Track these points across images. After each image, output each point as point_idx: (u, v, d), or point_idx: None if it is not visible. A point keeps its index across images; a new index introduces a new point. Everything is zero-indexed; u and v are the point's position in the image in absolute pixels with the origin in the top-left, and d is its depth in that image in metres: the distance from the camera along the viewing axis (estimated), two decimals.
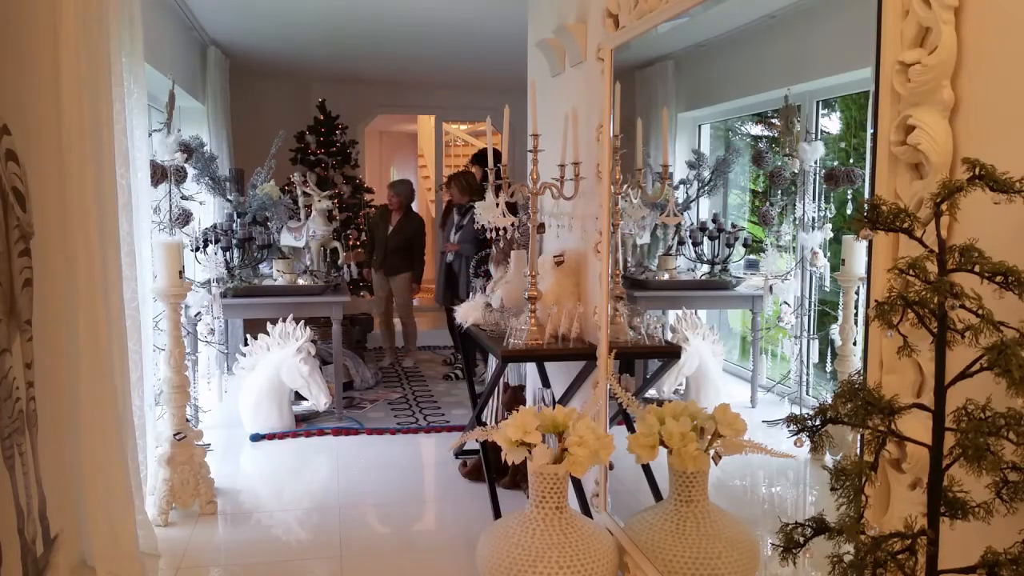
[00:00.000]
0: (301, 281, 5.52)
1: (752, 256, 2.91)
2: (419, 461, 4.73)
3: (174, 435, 3.63)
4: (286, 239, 5.73)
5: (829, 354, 2.54)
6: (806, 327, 2.60)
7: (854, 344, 2.25)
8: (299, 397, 5.33)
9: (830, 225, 2.41)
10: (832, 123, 2.46)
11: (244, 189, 6.02)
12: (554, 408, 2.30)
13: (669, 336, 3.20)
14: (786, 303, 2.64)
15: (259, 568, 3.22)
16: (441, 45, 6.71)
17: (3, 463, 2.20)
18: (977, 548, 1.07)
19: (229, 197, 5.71)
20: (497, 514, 3.39)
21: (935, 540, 1.06)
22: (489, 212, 3.21)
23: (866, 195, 1.52)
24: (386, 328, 7.10)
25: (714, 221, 3.09)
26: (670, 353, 3.10)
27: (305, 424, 5.17)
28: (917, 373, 1.33)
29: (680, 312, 3.31)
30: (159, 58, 4.54)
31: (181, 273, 3.62)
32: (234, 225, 5.53)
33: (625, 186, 2.97)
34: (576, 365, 3.27)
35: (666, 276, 3.44)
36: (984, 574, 1.05)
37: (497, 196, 3.16)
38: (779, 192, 2.70)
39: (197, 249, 4.86)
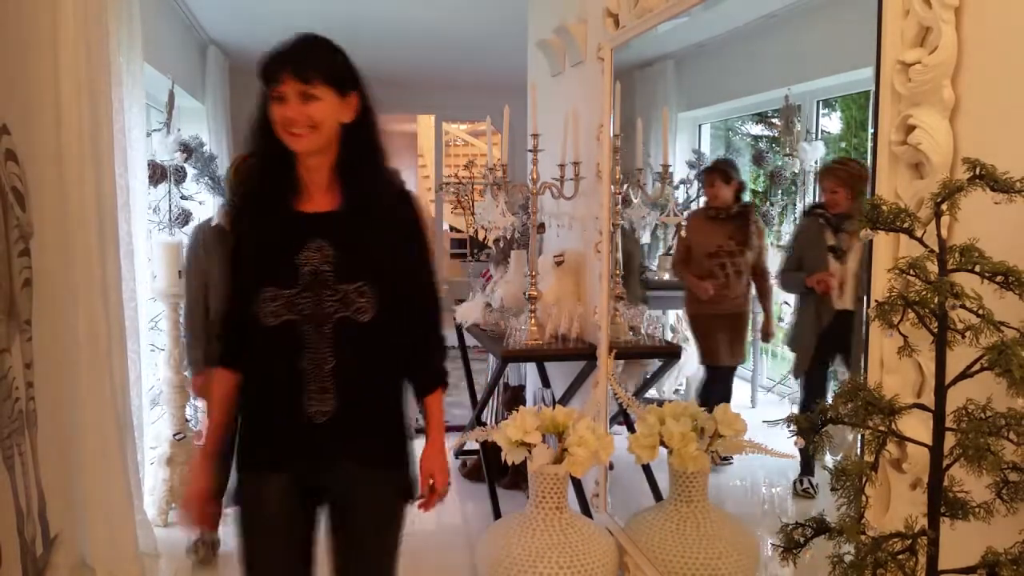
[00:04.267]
0: None
1: None
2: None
3: (174, 435, 3.63)
4: None
5: None
6: None
7: None
8: None
9: None
10: (832, 123, 2.46)
11: None
12: (554, 408, 2.30)
13: (669, 336, 3.21)
14: (786, 303, 2.64)
15: None
16: (441, 45, 6.71)
17: (3, 463, 2.20)
18: (977, 548, 1.07)
19: None
20: (497, 514, 3.39)
21: (935, 540, 1.06)
22: (489, 212, 3.21)
23: (867, 195, 1.52)
24: None
25: None
26: (670, 353, 3.10)
27: None
28: (917, 373, 1.33)
29: (680, 312, 3.31)
30: (159, 58, 4.54)
31: (181, 273, 3.62)
32: None
33: (625, 186, 2.97)
34: (576, 365, 3.27)
35: (666, 276, 3.44)
36: (984, 574, 1.05)
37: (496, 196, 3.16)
38: (779, 192, 2.70)
39: None
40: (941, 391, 1.07)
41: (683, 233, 2.97)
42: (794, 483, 2.43)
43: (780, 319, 2.69)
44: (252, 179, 1.84)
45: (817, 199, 2.49)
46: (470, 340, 4.01)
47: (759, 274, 2.74)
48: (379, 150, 1.80)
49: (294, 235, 1.69)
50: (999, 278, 1.01)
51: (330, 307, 1.66)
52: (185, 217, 4.30)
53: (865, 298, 1.47)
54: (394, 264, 1.72)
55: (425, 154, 12.66)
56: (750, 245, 2.74)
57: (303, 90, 1.63)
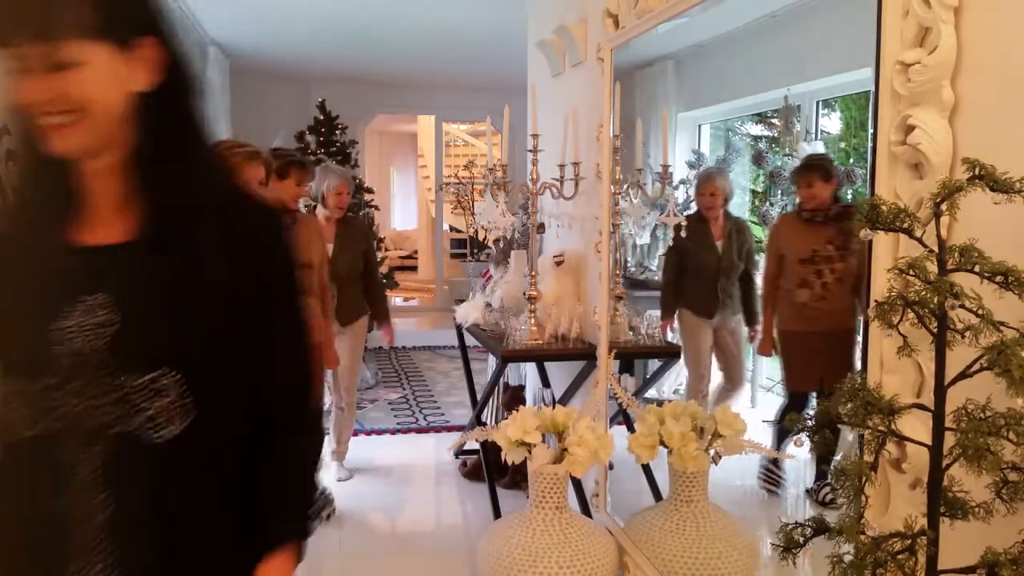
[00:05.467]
0: None
1: None
2: (419, 461, 4.73)
3: None
4: None
5: None
6: None
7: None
8: None
9: None
10: (832, 123, 2.46)
11: None
12: (554, 408, 2.30)
13: (669, 336, 3.20)
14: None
15: None
16: (441, 45, 6.71)
17: None
18: (977, 548, 1.07)
19: None
20: (497, 514, 3.39)
21: (935, 540, 1.06)
22: (489, 212, 3.21)
23: (866, 195, 1.52)
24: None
25: None
26: (670, 353, 3.10)
27: None
28: (917, 373, 1.33)
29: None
30: None
31: None
32: None
33: (625, 186, 2.97)
34: (576, 365, 3.27)
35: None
36: (984, 574, 1.05)
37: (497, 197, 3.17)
38: (779, 192, 2.70)
39: None
40: (941, 391, 1.07)
41: (771, 241, 2.62)
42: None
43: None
44: (16, 191, 1.11)
45: None
46: (470, 340, 4.02)
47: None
48: (199, 134, 1.08)
49: (57, 286, 0.99)
50: (999, 278, 1.01)
51: (102, 414, 0.97)
52: None
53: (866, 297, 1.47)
54: (230, 335, 1.02)
55: (425, 154, 12.67)
56: (852, 251, 2.36)
57: (47, 54, 0.92)
